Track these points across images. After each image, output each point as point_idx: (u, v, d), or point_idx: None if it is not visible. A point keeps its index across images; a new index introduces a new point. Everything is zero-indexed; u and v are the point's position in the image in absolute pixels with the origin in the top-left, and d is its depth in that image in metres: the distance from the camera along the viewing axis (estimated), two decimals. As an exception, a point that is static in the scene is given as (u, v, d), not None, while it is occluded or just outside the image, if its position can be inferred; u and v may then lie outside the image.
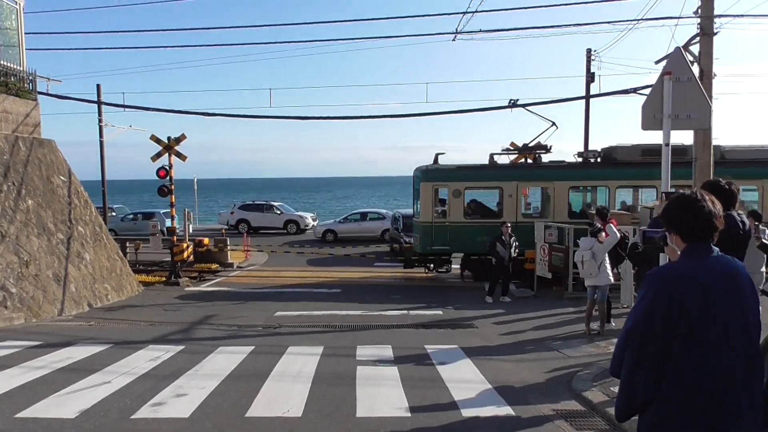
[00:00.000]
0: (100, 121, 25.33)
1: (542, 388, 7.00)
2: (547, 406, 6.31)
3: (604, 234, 9.83)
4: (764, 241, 7.69)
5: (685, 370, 2.47)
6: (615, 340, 9.25)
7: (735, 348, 2.50)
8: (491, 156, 16.93)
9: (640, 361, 2.52)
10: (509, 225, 14.02)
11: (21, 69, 14.29)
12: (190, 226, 18.78)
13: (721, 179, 4.71)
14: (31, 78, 14.53)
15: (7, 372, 7.58)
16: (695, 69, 10.95)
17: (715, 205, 2.62)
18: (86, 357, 8.44)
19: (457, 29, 16.23)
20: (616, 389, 6.48)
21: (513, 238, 13.86)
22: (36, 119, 14.30)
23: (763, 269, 8.63)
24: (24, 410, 6.17)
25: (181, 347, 9.08)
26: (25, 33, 14.62)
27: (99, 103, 24.70)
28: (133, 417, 6.02)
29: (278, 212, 31.69)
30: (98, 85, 25.28)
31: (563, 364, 8.05)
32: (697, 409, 2.47)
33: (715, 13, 12.09)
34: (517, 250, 14.04)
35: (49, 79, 16.76)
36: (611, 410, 5.63)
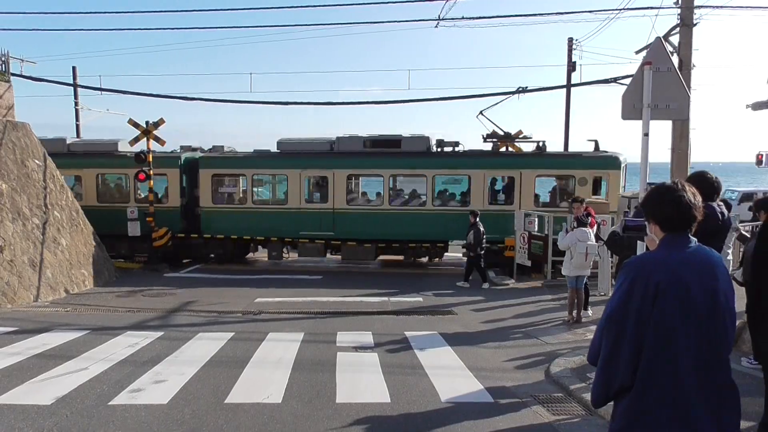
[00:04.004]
0: (76, 104, 24.88)
1: (520, 374, 7.09)
2: (524, 392, 6.39)
3: (592, 221, 10.05)
4: (743, 233, 7.85)
5: (659, 359, 2.50)
6: (592, 328, 9.39)
7: (709, 338, 2.55)
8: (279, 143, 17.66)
9: (618, 347, 2.55)
10: (477, 213, 14.10)
11: (-7, 50, 13.94)
12: None
13: (707, 171, 4.78)
14: (3, 59, 14.17)
15: (-19, 358, 7.46)
16: (674, 59, 11.07)
17: (695, 196, 2.63)
18: (63, 343, 8.34)
19: (439, 16, 16.19)
20: (592, 375, 6.59)
21: (472, 228, 13.71)
22: (9, 101, 13.98)
23: (730, 257, 8.82)
24: (-1, 397, 6.09)
25: (159, 333, 9.02)
26: (-2, 12, 14.25)
27: (75, 85, 24.25)
28: (110, 403, 5.97)
29: None
30: (74, 67, 24.85)
31: (541, 350, 8.15)
32: (670, 397, 2.51)
33: (695, 4, 12.21)
34: (481, 239, 13.72)
35: (23, 60, 16.39)
36: (587, 396, 5.73)
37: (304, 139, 17.68)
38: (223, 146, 18.50)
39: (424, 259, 17.45)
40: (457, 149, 17.05)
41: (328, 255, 17.90)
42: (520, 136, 17.02)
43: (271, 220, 17.07)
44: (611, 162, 15.89)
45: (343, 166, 16.74)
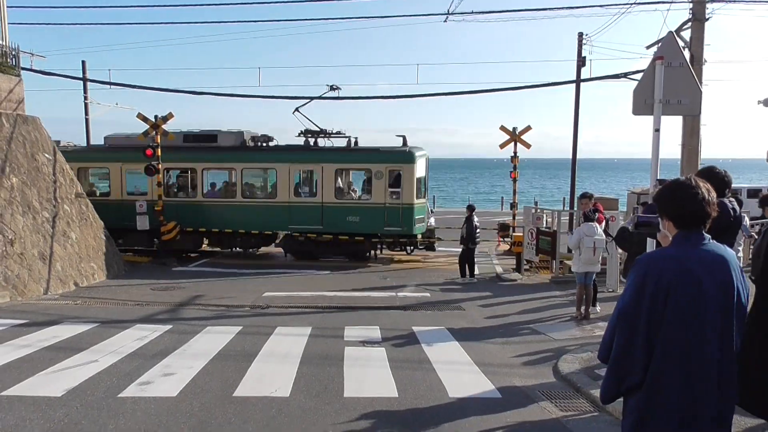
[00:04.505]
0: (85, 98, 24.98)
1: (528, 370, 7.08)
2: (532, 387, 6.38)
3: (599, 217, 10.02)
4: (754, 235, 7.80)
5: (671, 355, 2.49)
6: (600, 324, 9.38)
7: (720, 334, 2.53)
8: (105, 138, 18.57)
9: (629, 344, 2.54)
10: (474, 207, 14.45)
11: (3, 44, 13.99)
12: None
13: (716, 166, 4.74)
14: (14, 53, 14.23)
15: (-8, 350, 7.53)
16: (686, 54, 10.97)
17: (709, 193, 2.60)
18: (73, 336, 8.40)
19: (449, 10, 16.15)
20: (600, 371, 6.56)
21: (466, 222, 14.08)
22: (20, 95, 14.04)
23: (741, 254, 8.78)
24: (10, 388, 6.15)
25: (168, 327, 9.07)
26: (8, 7, 14.30)
27: (84, 79, 24.36)
28: (120, 395, 6.02)
29: None
30: (83, 62, 24.94)
31: (549, 346, 8.13)
32: (681, 393, 2.50)
33: (707, -2, 12.10)
34: (473, 233, 14.00)
35: (33, 54, 16.46)
36: (596, 392, 5.71)
37: (129, 134, 18.22)
38: (59, 141, 18.70)
39: (239, 249, 18.03)
40: (270, 144, 18.02)
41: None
42: (334, 132, 17.86)
43: (99, 212, 17.19)
44: (406, 156, 16.69)
45: (161, 160, 17.23)
